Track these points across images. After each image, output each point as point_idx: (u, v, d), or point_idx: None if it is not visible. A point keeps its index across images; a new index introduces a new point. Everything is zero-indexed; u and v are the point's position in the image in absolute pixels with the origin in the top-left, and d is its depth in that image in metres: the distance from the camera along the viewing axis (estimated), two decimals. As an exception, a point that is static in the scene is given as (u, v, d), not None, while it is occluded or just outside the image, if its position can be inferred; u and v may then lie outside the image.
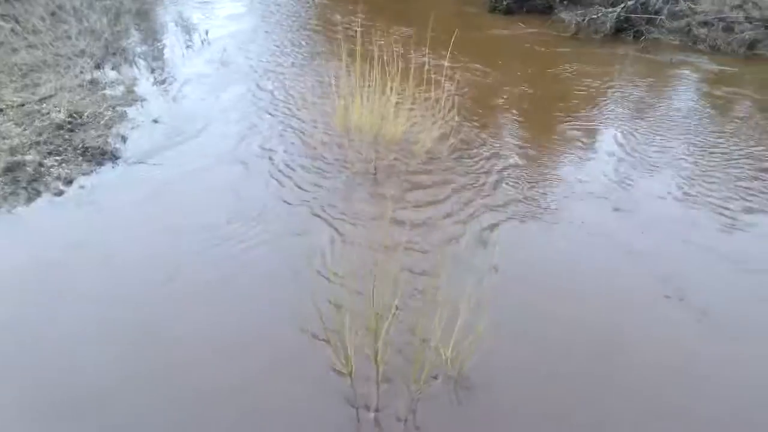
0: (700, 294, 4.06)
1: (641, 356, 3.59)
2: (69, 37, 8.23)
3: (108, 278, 4.04)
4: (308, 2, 11.66)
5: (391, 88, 5.42)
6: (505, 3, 10.90)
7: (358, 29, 6.02)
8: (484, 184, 5.34)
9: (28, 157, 5.19)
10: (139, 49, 8.43)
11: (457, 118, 6.27)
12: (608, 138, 6.33)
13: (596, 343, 3.68)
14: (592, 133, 6.47)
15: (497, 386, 3.35)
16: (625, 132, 6.48)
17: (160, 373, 3.36)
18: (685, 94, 7.86)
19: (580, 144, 6.20)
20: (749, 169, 5.70)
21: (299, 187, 5.15)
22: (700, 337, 3.74)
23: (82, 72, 7.19)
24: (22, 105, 6.12)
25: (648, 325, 3.83)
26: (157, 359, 3.43)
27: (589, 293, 4.11)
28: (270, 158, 5.63)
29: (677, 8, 9.93)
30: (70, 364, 3.39)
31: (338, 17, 9.75)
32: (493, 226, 4.74)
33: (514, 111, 6.95)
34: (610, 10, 9.79)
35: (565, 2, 10.51)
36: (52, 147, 5.49)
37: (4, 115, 5.90)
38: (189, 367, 3.39)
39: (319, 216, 4.77)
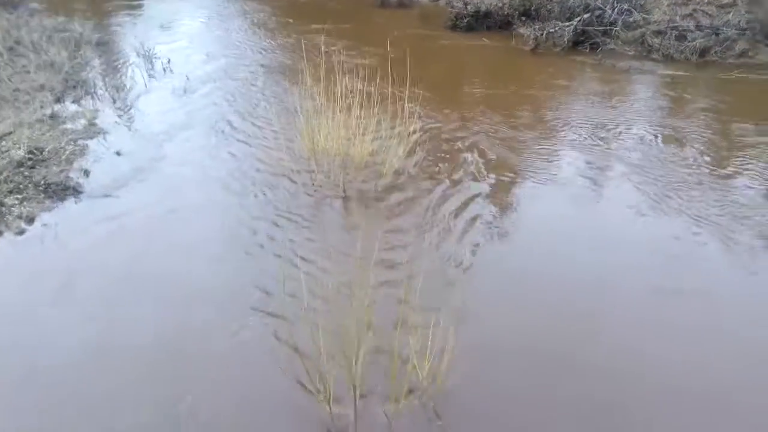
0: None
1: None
2: (27, 72, 8.11)
3: (71, 313, 3.95)
4: (267, 22, 11.74)
5: (358, 108, 5.46)
6: (465, 20, 11.11)
7: (322, 50, 6.05)
8: (452, 198, 5.40)
9: (-13, 197, 5.08)
10: (100, 81, 8.33)
11: (421, 135, 6.36)
12: (571, 142, 6.50)
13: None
14: (557, 132, 6.73)
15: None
16: (589, 133, 6.79)
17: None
18: (641, 94, 8.33)
19: (547, 147, 6.37)
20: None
21: (268, 214, 5.13)
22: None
23: (41, 107, 7.07)
24: (-20, 144, 5.99)
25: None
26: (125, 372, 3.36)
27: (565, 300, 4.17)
28: (236, 184, 5.61)
29: (631, 19, 10.24)
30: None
31: (298, 38, 9.78)
32: (465, 239, 4.79)
33: (479, 121, 7.07)
34: (566, 24, 10.04)
35: (523, 18, 10.75)
36: (12, 185, 5.36)
37: (-40, 155, 5.77)
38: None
39: (289, 240, 4.75)
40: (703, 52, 9.39)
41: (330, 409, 3.21)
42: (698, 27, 9.79)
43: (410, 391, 3.30)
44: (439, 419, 3.20)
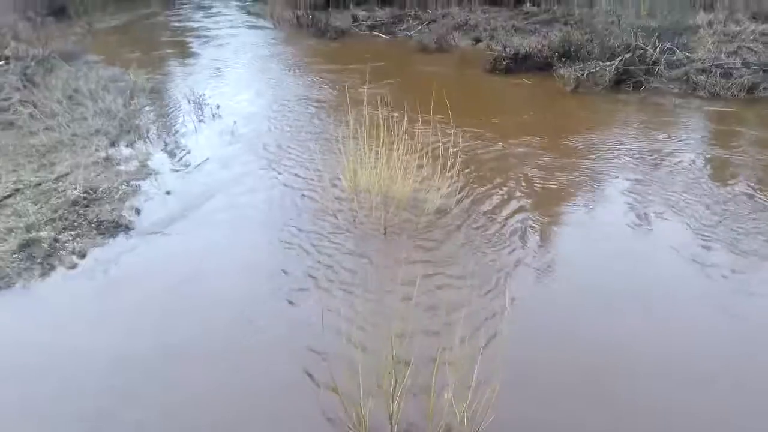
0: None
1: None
2: (85, 118, 8.53)
3: (121, 346, 4.02)
4: (308, 67, 12.13)
5: (400, 146, 5.52)
6: (504, 63, 11.22)
7: (365, 92, 6.17)
8: (494, 239, 5.34)
9: (43, 234, 5.28)
10: (152, 126, 8.68)
11: (464, 174, 6.34)
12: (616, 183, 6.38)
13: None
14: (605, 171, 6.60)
15: None
16: (638, 167, 6.69)
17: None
18: (688, 125, 8.43)
19: (595, 184, 6.26)
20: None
21: (310, 251, 5.17)
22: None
23: (97, 150, 7.41)
24: (39, 184, 6.29)
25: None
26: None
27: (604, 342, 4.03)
28: (278, 221, 5.70)
29: (674, 58, 10.16)
30: None
31: (340, 84, 10.06)
32: (504, 279, 4.71)
33: (522, 156, 7.04)
34: (608, 63, 10.02)
35: (563, 59, 10.78)
36: (67, 222, 5.59)
37: (21, 194, 6.06)
38: None
39: (329, 279, 4.76)
40: (751, 88, 9.21)
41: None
42: (744, 64, 9.63)
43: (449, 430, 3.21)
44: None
